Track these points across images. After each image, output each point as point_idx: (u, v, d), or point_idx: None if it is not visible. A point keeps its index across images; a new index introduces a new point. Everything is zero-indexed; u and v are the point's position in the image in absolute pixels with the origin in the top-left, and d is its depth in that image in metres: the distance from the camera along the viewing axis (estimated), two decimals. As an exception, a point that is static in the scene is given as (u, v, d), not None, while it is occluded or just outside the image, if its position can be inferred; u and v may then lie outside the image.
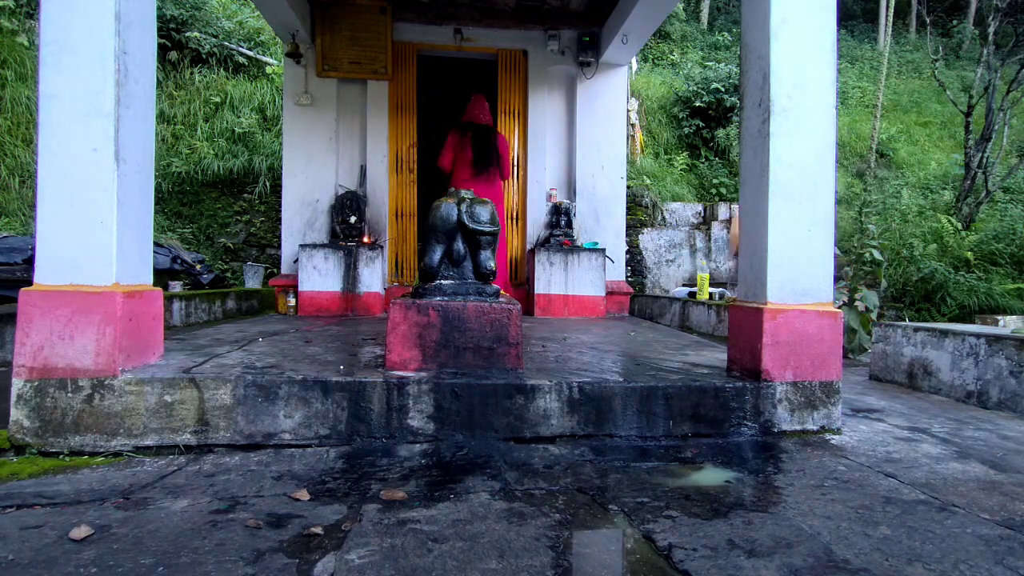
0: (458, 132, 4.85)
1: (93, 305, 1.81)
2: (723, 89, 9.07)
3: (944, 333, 2.83)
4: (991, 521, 1.36)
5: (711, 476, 1.68)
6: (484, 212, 2.21)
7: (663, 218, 7.84)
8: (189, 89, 7.78)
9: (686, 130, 9.50)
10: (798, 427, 2.11)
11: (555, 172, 5.62)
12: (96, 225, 1.84)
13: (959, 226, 7.28)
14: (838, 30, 2.27)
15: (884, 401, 2.68)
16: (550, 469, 1.71)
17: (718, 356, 2.69)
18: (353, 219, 5.02)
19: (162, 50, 7.64)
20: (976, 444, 2.01)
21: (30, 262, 3.68)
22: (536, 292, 5.01)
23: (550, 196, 5.54)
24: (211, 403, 1.85)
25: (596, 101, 5.48)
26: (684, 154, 9.22)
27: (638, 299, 6.10)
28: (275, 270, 6.36)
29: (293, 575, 1.09)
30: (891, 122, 11.39)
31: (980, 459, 1.84)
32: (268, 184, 7.00)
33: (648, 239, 7.65)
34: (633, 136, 8.80)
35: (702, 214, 8.00)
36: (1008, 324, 4.66)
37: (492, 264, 2.23)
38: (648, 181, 8.16)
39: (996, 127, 7.54)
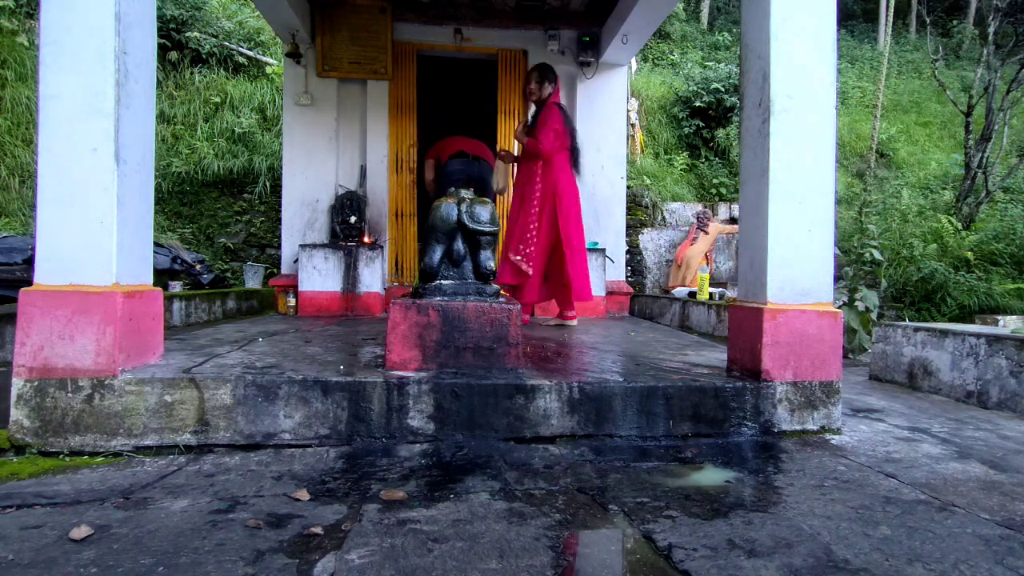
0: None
1: (93, 305, 1.81)
2: (723, 89, 9.07)
3: (944, 333, 2.83)
4: (991, 521, 1.36)
5: (711, 476, 1.68)
6: (484, 212, 2.21)
7: (663, 218, 7.84)
8: (189, 89, 7.78)
9: (686, 130, 9.50)
10: (798, 427, 2.11)
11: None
12: (96, 225, 1.84)
13: (959, 226, 7.28)
14: (838, 30, 2.27)
15: (884, 401, 2.68)
16: (550, 469, 1.71)
17: (718, 356, 2.69)
18: (353, 219, 5.02)
19: (162, 50, 7.64)
20: (976, 444, 2.01)
21: (30, 262, 3.68)
22: (536, 292, 5.00)
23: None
24: (211, 403, 1.85)
25: (596, 101, 5.48)
26: (684, 154, 9.22)
27: (638, 299, 6.10)
28: (275, 270, 6.36)
29: (293, 575, 1.09)
30: (891, 122, 11.39)
31: (980, 459, 1.84)
32: (268, 184, 7.00)
33: (648, 239, 7.65)
34: (633, 136, 8.80)
35: (702, 215, 7.98)
36: (1008, 324, 4.66)
37: (492, 264, 2.23)
38: (648, 181, 8.16)
39: (996, 127, 7.54)
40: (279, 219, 5.58)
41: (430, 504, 1.42)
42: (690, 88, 9.61)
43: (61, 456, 1.77)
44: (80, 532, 1.22)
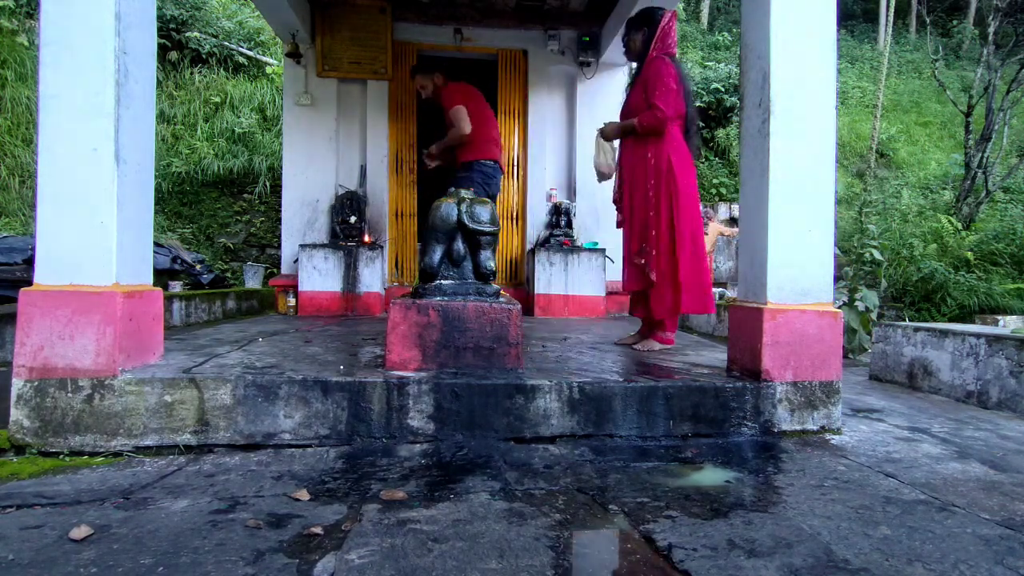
0: None
1: (93, 305, 1.81)
2: (723, 89, 9.08)
3: (944, 333, 2.83)
4: (991, 521, 1.36)
5: (711, 476, 1.68)
6: (484, 212, 2.21)
7: (663, 218, 7.84)
8: (189, 89, 7.78)
9: (686, 130, 9.49)
10: (798, 427, 2.11)
11: (555, 172, 5.62)
12: (96, 225, 1.84)
13: (959, 226, 7.28)
14: (838, 30, 2.27)
15: (884, 401, 2.68)
16: (550, 469, 1.71)
17: (718, 356, 2.69)
18: (353, 219, 5.03)
19: (162, 50, 7.64)
20: (976, 444, 2.01)
21: (30, 262, 3.68)
22: (536, 292, 5.01)
23: (550, 196, 5.55)
24: (211, 403, 1.85)
25: (596, 101, 5.48)
26: (684, 154, 9.21)
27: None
28: (275, 270, 6.37)
29: (293, 575, 1.09)
30: (891, 122, 11.39)
31: (980, 459, 1.84)
32: (268, 184, 7.00)
33: (648, 239, 7.65)
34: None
35: (702, 214, 8.00)
36: (1008, 324, 4.66)
37: (492, 264, 2.23)
38: (648, 181, 8.15)
39: (996, 127, 7.54)
40: (279, 219, 5.59)
41: (430, 504, 1.42)
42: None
43: (61, 456, 1.77)
44: (80, 532, 1.22)
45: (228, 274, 6.55)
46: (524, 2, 5.21)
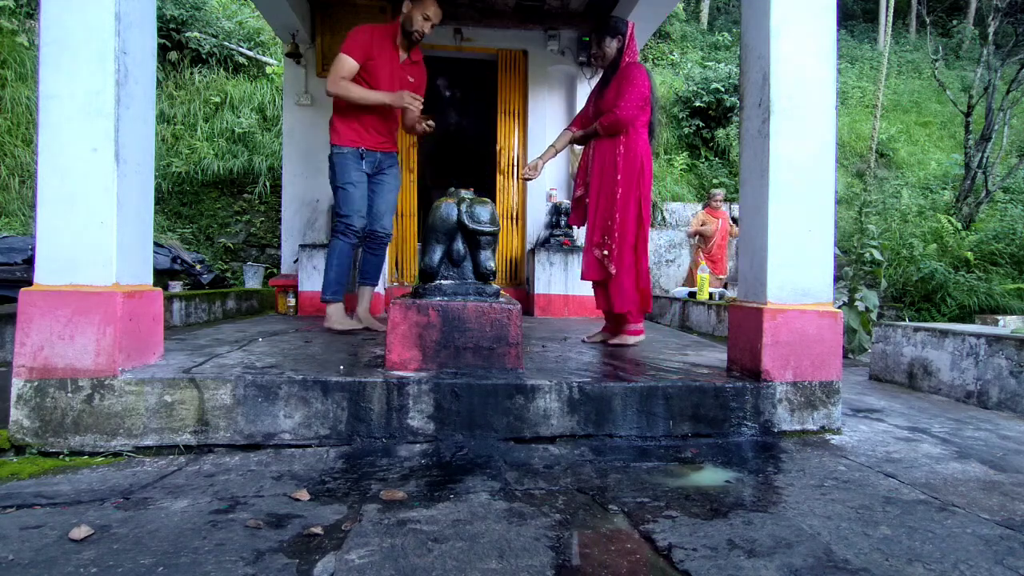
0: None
1: (93, 305, 1.81)
2: (723, 89, 9.07)
3: (944, 333, 2.83)
4: (991, 521, 1.36)
5: (711, 476, 1.68)
6: (484, 212, 2.21)
7: (663, 218, 7.84)
8: (189, 89, 7.78)
9: (686, 130, 9.50)
10: (798, 427, 2.11)
11: (555, 172, 5.61)
12: (96, 225, 1.84)
13: (959, 226, 7.28)
14: (838, 30, 2.27)
15: (884, 401, 2.68)
16: (550, 469, 1.71)
17: (718, 356, 2.69)
18: (353, 219, 5.01)
19: (162, 50, 7.64)
20: (976, 444, 2.01)
21: (30, 262, 3.68)
22: (536, 292, 5.01)
23: (550, 196, 5.54)
24: (211, 403, 1.85)
25: (596, 101, 5.47)
26: (684, 154, 9.22)
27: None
28: (275, 270, 6.37)
29: (293, 575, 1.09)
30: (891, 122, 11.39)
31: (980, 459, 1.84)
32: (268, 184, 7.00)
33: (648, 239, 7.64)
34: (633, 136, 8.79)
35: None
36: (1008, 324, 4.66)
37: (492, 264, 2.23)
38: (648, 181, 8.15)
39: (996, 127, 7.54)
40: (279, 219, 5.59)
41: (430, 504, 1.42)
42: (690, 88, 9.61)
43: (61, 456, 1.77)
44: (80, 532, 1.22)
45: (228, 274, 6.55)
46: (524, 2, 5.21)
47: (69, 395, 1.80)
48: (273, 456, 1.78)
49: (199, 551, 1.17)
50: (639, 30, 4.97)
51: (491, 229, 2.21)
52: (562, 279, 5.01)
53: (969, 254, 6.76)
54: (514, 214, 5.63)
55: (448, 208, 2.20)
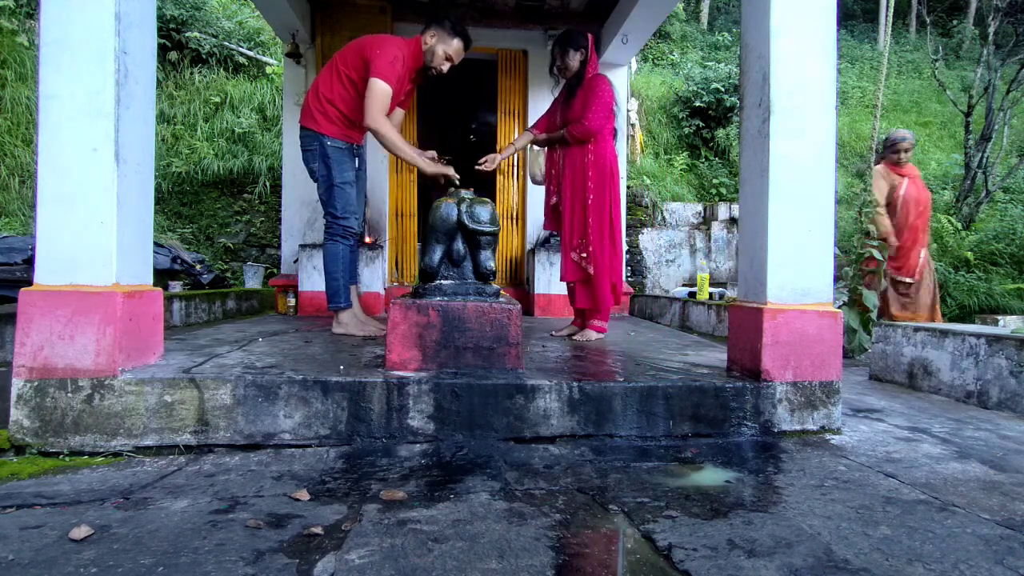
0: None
1: (93, 305, 1.81)
2: (723, 89, 9.07)
3: (944, 333, 2.83)
4: (991, 521, 1.36)
5: (711, 476, 1.68)
6: (484, 212, 2.21)
7: (663, 218, 7.84)
8: (189, 89, 7.78)
9: (686, 130, 9.50)
10: (798, 427, 2.11)
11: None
12: (96, 225, 1.84)
13: (959, 226, 7.28)
14: (838, 30, 2.27)
15: (884, 401, 2.68)
16: (550, 469, 1.71)
17: (718, 356, 2.69)
18: (353, 219, 5.01)
19: (162, 50, 7.64)
20: (976, 444, 2.01)
21: (30, 262, 3.68)
22: (536, 292, 5.01)
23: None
24: (211, 403, 1.85)
25: (596, 101, 5.47)
26: (684, 154, 9.22)
27: (638, 299, 6.10)
28: (275, 270, 6.37)
29: (293, 575, 1.09)
30: (891, 122, 11.39)
31: (980, 459, 1.84)
32: (268, 184, 7.00)
33: (648, 239, 7.65)
34: (633, 136, 8.80)
35: (702, 214, 8.00)
36: (1008, 324, 4.66)
37: (492, 264, 2.23)
38: (648, 181, 8.16)
39: (996, 127, 7.54)
40: (279, 219, 5.59)
41: (430, 504, 1.42)
42: (690, 88, 9.61)
43: (61, 456, 1.77)
44: (80, 532, 1.22)
45: (228, 274, 6.55)
46: (524, 2, 5.21)
47: (69, 395, 1.80)
48: (273, 456, 1.78)
49: (199, 551, 1.17)
50: (638, 31, 4.98)
51: (491, 229, 2.21)
52: (562, 279, 5.00)
53: (969, 254, 6.76)
54: (514, 214, 5.63)
55: (448, 208, 2.20)
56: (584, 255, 3.09)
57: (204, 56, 8.03)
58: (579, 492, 1.53)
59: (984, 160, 7.44)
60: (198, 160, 7.06)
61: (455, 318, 2.08)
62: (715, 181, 8.73)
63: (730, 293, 6.63)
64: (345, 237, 3.08)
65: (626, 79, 5.89)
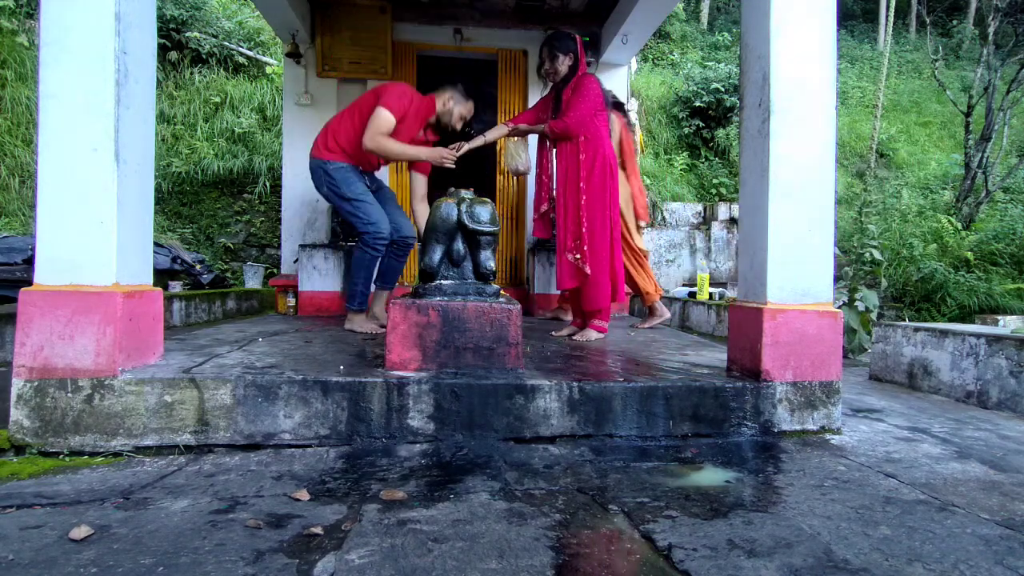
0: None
1: (93, 305, 1.81)
2: (723, 89, 9.07)
3: (944, 333, 2.83)
4: (991, 521, 1.36)
5: (711, 476, 1.68)
6: (484, 212, 2.21)
7: (663, 218, 7.84)
8: (189, 89, 7.78)
9: (686, 130, 9.50)
10: (798, 427, 2.11)
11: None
12: (96, 225, 1.84)
13: (959, 226, 7.28)
14: (838, 30, 2.27)
15: (884, 401, 2.68)
16: (550, 469, 1.71)
17: (718, 356, 2.69)
18: (353, 219, 5.01)
19: (162, 50, 7.64)
20: (976, 444, 2.01)
21: (30, 262, 3.68)
22: (536, 292, 5.01)
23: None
24: (211, 403, 1.85)
25: (596, 101, 5.47)
26: (684, 154, 9.22)
27: (638, 299, 6.08)
28: (275, 270, 6.36)
29: (293, 575, 1.09)
30: (891, 122, 11.39)
31: (980, 459, 1.84)
32: (268, 184, 7.00)
33: (648, 239, 7.64)
34: (633, 136, 8.80)
35: (702, 214, 8.00)
36: (1008, 324, 4.66)
37: (492, 264, 2.23)
38: (648, 181, 8.16)
39: (996, 127, 7.54)
40: (279, 219, 5.58)
41: (430, 504, 1.42)
42: (690, 88, 9.61)
43: (61, 456, 1.77)
44: (80, 532, 1.22)
45: (228, 274, 6.54)
46: (524, 2, 5.21)
47: (69, 395, 1.80)
48: (273, 456, 1.78)
49: (199, 551, 1.17)
50: (638, 31, 4.98)
51: (491, 229, 2.21)
52: (562, 279, 5.00)
53: (969, 254, 6.76)
54: (514, 214, 5.63)
55: (448, 208, 2.20)
56: (579, 255, 3.06)
57: (204, 56, 8.03)
58: (579, 492, 1.53)
59: (984, 160, 7.44)
60: (198, 160, 7.05)
61: (455, 318, 2.08)
62: (715, 181, 8.73)
63: (730, 293, 6.63)
64: (374, 247, 3.17)
65: (626, 79, 5.88)
